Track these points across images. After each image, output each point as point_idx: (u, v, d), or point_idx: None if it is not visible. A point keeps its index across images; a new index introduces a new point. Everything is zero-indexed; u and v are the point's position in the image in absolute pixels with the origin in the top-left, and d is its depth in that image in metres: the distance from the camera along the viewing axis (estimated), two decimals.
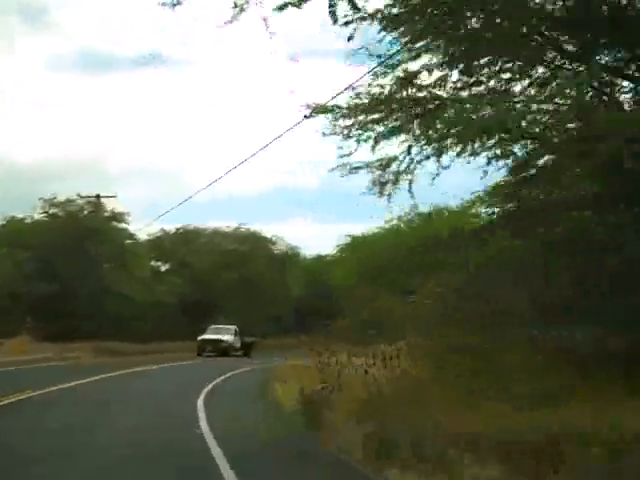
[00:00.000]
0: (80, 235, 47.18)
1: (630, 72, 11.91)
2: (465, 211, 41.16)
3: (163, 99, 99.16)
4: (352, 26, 11.74)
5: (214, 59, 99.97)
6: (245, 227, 65.70)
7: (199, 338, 49.56)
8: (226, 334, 51.19)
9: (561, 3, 11.56)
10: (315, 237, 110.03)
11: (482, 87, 12.42)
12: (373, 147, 13.04)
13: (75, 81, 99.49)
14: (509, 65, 12.15)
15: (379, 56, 12.50)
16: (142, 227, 50.15)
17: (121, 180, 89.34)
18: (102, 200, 50.03)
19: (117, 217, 50.63)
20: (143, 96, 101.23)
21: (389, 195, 13.68)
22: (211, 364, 39.03)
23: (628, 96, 12.34)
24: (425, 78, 12.57)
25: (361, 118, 12.80)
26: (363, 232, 46.51)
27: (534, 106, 11.79)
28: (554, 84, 11.78)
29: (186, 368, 36.18)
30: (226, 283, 62.74)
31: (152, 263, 63.08)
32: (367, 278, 40.46)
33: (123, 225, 51.70)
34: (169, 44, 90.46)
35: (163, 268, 65.00)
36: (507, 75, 12.34)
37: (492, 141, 12.37)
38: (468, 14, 11.45)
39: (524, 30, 11.50)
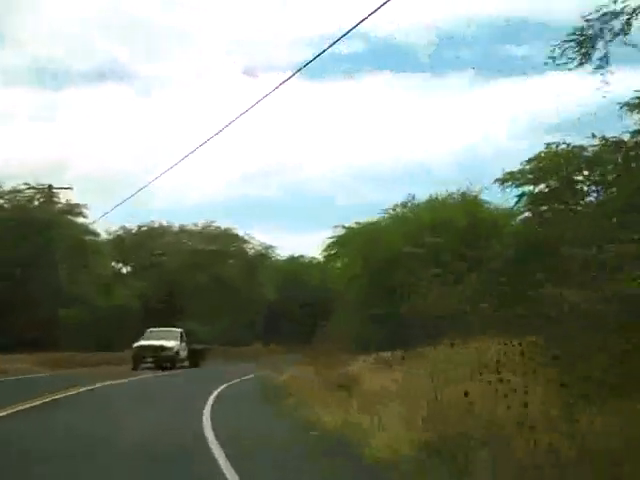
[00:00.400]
0: (30, 229, 41.19)
1: None
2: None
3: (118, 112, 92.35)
4: None
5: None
6: (215, 225, 60.19)
7: (135, 345, 37.92)
8: (170, 339, 39.25)
9: None
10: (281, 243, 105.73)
11: None
12: None
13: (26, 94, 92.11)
14: None
15: None
16: (98, 219, 43.13)
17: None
18: (56, 192, 44.08)
19: (73, 210, 44.59)
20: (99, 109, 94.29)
21: None
22: (153, 386, 27.43)
23: None
24: None
25: None
26: (357, 224, 41.06)
27: None
28: None
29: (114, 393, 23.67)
30: (194, 285, 57.13)
31: (112, 264, 57.37)
32: (378, 271, 34.99)
33: (81, 220, 45.80)
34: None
35: (125, 270, 59.28)
36: None
37: None
38: None
39: None
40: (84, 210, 44.80)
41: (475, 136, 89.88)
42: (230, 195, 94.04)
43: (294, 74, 13.95)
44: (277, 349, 64.67)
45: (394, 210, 37.92)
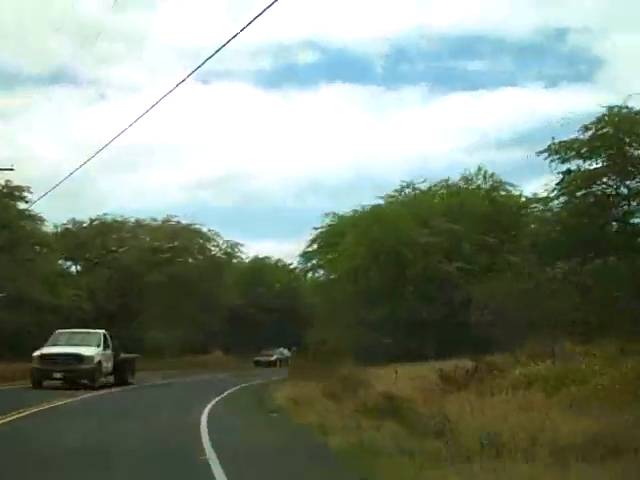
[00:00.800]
0: None
1: None
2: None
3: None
4: None
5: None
6: (175, 220, 54.26)
7: (36, 354, 27.30)
8: (88, 345, 28.38)
9: None
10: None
11: None
12: None
13: None
14: None
15: None
16: (36, 201, 36.64)
17: None
18: None
19: (13, 193, 38.31)
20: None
21: None
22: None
23: None
24: None
25: None
26: (355, 211, 35.47)
27: None
28: None
29: None
30: (152, 286, 51.12)
31: (59, 262, 51.21)
32: (386, 263, 29.51)
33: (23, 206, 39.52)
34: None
35: (74, 268, 53.04)
36: None
37: None
38: None
39: None
40: (27, 194, 38.63)
41: (426, 149, 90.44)
42: (183, 201, 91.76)
43: (189, 75, 14.09)
44: (240, 358, 59.15)
45: (399, 193, 32.52)
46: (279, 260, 72.69)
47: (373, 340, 27.88)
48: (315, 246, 43.57)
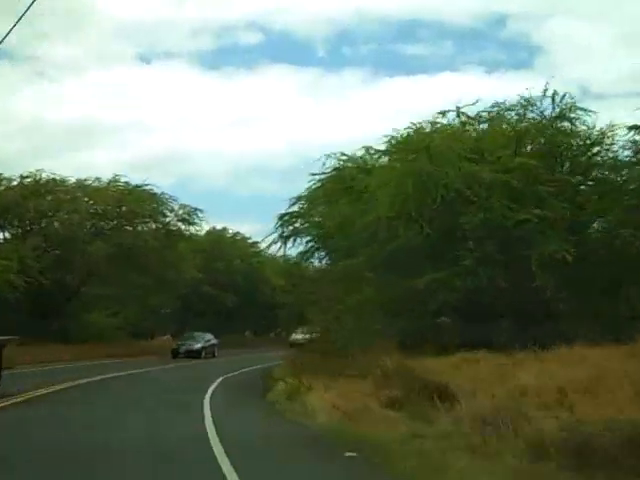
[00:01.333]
0: None
1: None
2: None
3: None
4: None
5: None
6: (124, 181, 45.77)
7: None
8: None
9: None
10: None
11: None
12: None
13: None
14: None
15: None
16: None
17: None
18: None
19: None
20: None
21: None
22: None
23: None
24: None
25: None
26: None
27: None
28: None
29: None
30: (94, 260, 42.76)
31: None
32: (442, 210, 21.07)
33: None
34: None
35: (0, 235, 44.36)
36: None
37: None
38: None
39: None
40: None
41: (365, 133, 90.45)
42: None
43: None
44: None
45: (434, 124, 23.97)
46: (237, 233, 64.77)
47: (412, 321, 20.29)
48: (296, 207, 35.79)
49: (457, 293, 19.57)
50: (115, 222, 45.19)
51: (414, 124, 23.58)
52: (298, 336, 59.48)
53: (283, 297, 67.31)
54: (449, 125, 22.78)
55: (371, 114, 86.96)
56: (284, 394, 16.37)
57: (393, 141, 23.25)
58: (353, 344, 19.87)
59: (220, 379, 24.04)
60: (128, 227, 45.42)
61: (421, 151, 21.41)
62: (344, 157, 26.15)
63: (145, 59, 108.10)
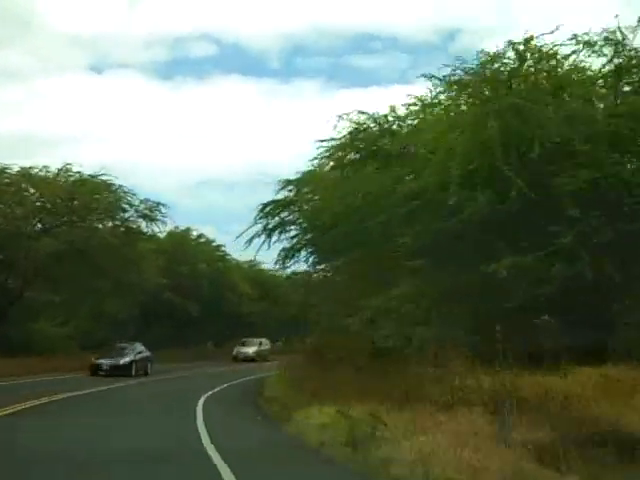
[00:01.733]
0: None
1: None
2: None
3: None
4: None
5: None
6: (76, 170, 39.82)
7: None
8: None
9: None
10: None
11: None
12: None
13: None
14: None
15: None
16: None
17: None
18: None
19: None
20: None
21: None
22: None
23: None
24: None
25: None
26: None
27: None
28: None
29: None
30: (42, 260, 37.11)
31: None
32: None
33: None
34: None
35: None
36: None
37: None
38: None
39: None
40: None
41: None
42: None
43: None
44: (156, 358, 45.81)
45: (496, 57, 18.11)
46: (201, 235, 59.04)
47: (489, 323, 14.89)
48: (286, 193, 30.55)
49: (550, 285, 14.35)
50: (65, 217, 39.26)
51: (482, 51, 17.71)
52: (248, 349, 53.71)
53: (250, 306, 62.35)
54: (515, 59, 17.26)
55: (324, 126, 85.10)
56: (335, 435, 10.61)
57: (456, 75, 17.47)
58: (402, 353, 14.67)
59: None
60: (81, 223, 39.55)
61: (501, 84, 16.10)
62: (363, 116, 20.70)
63: (97, 69, 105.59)
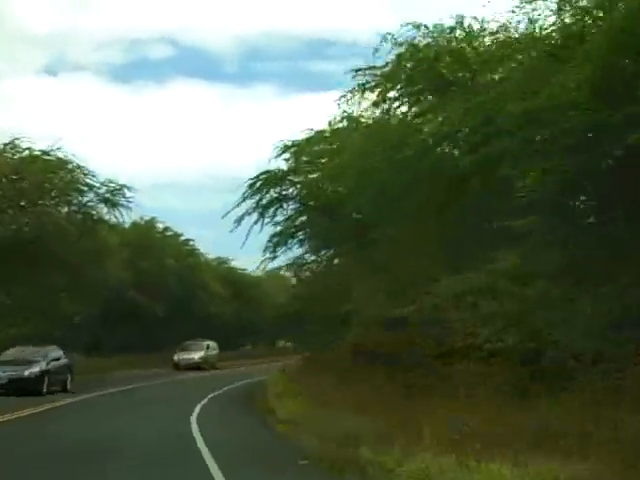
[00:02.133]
0: None
1: None
2: None
3: None
4: None
5: None
6: (27, 145, 33.86)
7: None
8: None
9: None
10: None
11: None
12: None
13: None
14: None
15: None
16: None
17: None
18: None
19: None
20: None
21: None
22: None
23: None
24: None
25: None
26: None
27: None
28: None
29: None
30: None
31: None
32: None
33: None
34: None
35: None
36: None
37: None
38: None
39: None
40: None
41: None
42: None
43: None
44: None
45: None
46: (168, 228, 53.21)
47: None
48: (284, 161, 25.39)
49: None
50: (12, 200, 33.40)
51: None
52: (193, 355, 45.46)
53: (222, 306, 56.82)
54: None
55: (282, 129, 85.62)
56: None
57: None
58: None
59: None
60: (31, 207, 33.71)
61: None
62: (422, 31, 15.39)
63: (51, 71, 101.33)
